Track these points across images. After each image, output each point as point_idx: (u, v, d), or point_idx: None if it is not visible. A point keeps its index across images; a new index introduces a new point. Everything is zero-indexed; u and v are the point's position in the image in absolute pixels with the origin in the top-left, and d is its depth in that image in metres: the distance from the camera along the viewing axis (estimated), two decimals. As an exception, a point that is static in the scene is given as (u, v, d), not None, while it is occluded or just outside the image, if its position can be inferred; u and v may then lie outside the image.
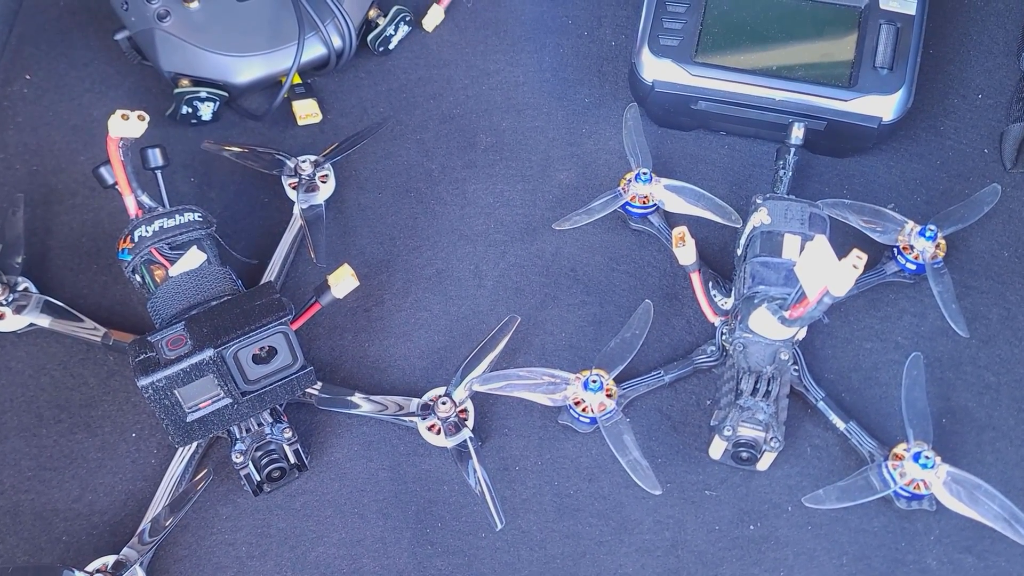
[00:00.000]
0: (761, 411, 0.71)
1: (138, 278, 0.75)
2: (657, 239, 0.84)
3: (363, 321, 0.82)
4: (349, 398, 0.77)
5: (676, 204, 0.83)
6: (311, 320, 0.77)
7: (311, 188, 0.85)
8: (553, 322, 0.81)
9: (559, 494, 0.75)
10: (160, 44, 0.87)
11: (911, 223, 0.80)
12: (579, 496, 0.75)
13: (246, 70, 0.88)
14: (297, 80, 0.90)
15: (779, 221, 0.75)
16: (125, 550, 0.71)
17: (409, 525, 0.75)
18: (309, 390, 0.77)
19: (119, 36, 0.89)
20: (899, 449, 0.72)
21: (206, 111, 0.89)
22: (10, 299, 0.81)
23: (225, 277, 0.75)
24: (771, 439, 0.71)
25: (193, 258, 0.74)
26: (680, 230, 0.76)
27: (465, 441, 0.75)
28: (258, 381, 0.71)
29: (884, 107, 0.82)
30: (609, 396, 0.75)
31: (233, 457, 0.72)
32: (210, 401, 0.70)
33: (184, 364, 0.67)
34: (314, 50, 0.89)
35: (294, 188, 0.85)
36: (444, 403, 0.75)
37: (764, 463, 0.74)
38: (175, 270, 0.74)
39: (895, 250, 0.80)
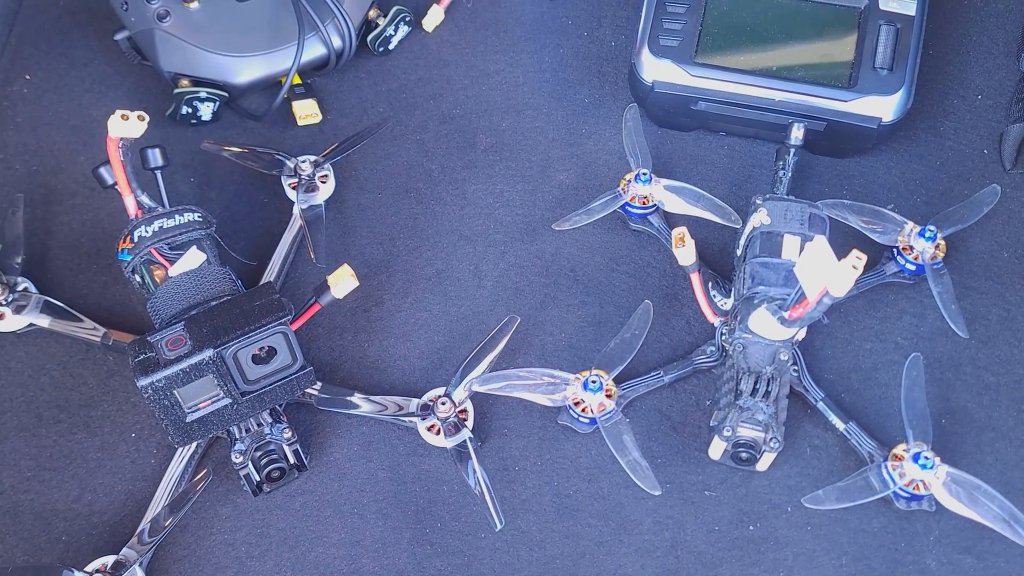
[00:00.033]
0: (761, 411, 0.71)
1: (138, 278, 0.75)
2: (657, 239, 0.84)
3: (363, 321, 0.82)
4: (349, 398, 0.77)
5: (676, 204, 0.83)
6: (311, 320, 0.77)
7: (311, 188, 0.85)
8: (553, 322, 0.82)
9: (559, 494, 0.75)
10: (160, 44, 0.87)
11: (911, 224, 0.80)
12: (579, 496, 0.75)
13: (246, 70, 0.88)
14: (297, 80, 0.90)
15: (779, 222, 0.75)
16: (124, 550, 0.71)
17: (409, 525, 0.75)
18: (309, 390, 0.77)
19: (119, 36, 0.89)
20: (899, 450, 0.72)
21: (206, 111, 0.89)
22: (10, 299, 0.81)
23: (225, 277, 0.75)
24: (770, 439, 0.71)
25: (193, 258, 0.74)
26: (680, 231, 0.76)
27: (465, 441, 0.75)
28: (258, 381, 0.71)
29: (884, 108, 0.82)
30: (609, 396, 0.75)
31: (233, 457, 0.72)
32: (210, 401, 0.70)
33: (184, 364, 0.67)
34: (314, 50, 0.89)
35: (294, 188, 0.85)
36: (444, 403, 0.75)
37: (764, 463, 0.74)
38: (175, 270, 0.74)
39: (895, 251, 0.80)
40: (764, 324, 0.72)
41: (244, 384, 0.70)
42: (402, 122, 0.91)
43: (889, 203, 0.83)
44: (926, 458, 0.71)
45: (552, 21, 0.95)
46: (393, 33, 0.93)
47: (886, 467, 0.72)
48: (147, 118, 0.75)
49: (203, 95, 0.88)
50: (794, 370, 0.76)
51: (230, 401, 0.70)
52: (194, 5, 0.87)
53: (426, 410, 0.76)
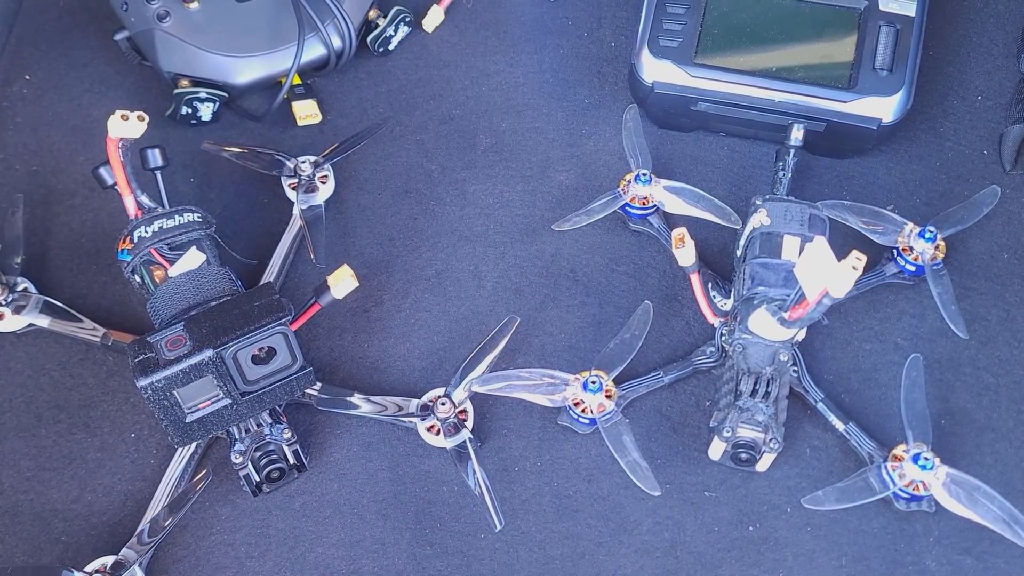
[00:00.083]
0: (760, 412, 0.71)
1: (137, 278, 0.75)
2: (657, 240, 0.84)
3: (362, 322, 0.82)
4: (348, 399, 0.77)
5: (676, 205, 0.83)
6: (310, 321, 0.77)
7: (311, 189, 0.85)
8: (552, 323, 0.81)
9: (558, 495, 0.75)
10: (160, 44, 0.87)
11: (910, 224, 0.80)
12: (578, 497, 0.75)
13: (246, 71, 0.88)
14: (297, 81, 0.90)
15: (779, 222, 0.75)
16: (124, 550, 0.71)
17: (408, 526, 0.75)
18: (308, 391, 0.77)
19: (119, 36, 0.89)
20: (898, 450, 0.72)
21: (206, 112, 0.89)
22: (9, 299, 0.81)
23: (224, 278, 0.75)
24: (770, 440, 0.71)
25: (192, 258, 0.74)
26: (680, 231, 0.76)
27: (464, 442, 0.75)
28: (257, 382, 0.71)
29: (884, 108, 0.82)
30: (608, 397, 0.75)
31: (232, 458, 0.72)
32: (209, 402, 0.70)
33: (183, 365, 0.67)
34: (314, 51, 0.89)
35: (294, 189, 0.85)
36: (443, 404, 0.75)
37: (763, 464, 0.74)
38: (174, 270, 0.74)
39: (894, 251, 0.80)
40: (764, 325, 0.72)
41: (244, 384, 0.70)
42: (402, 122, 0.91)
43: (889, 204, 0.83)
44: (926, 459, 0.71)
45: (552, 22, 0.95)
46: (393, 33, 0.93)
47: (886, 468, 0.72)
48: (147, 118, 0.75)
49: (203, 95, 0.88)
50: (794, 371, 0.76)
51: (230, 401, 0.70)
52: (194, 5, 0.87)
53: (426, 410, 0.76)
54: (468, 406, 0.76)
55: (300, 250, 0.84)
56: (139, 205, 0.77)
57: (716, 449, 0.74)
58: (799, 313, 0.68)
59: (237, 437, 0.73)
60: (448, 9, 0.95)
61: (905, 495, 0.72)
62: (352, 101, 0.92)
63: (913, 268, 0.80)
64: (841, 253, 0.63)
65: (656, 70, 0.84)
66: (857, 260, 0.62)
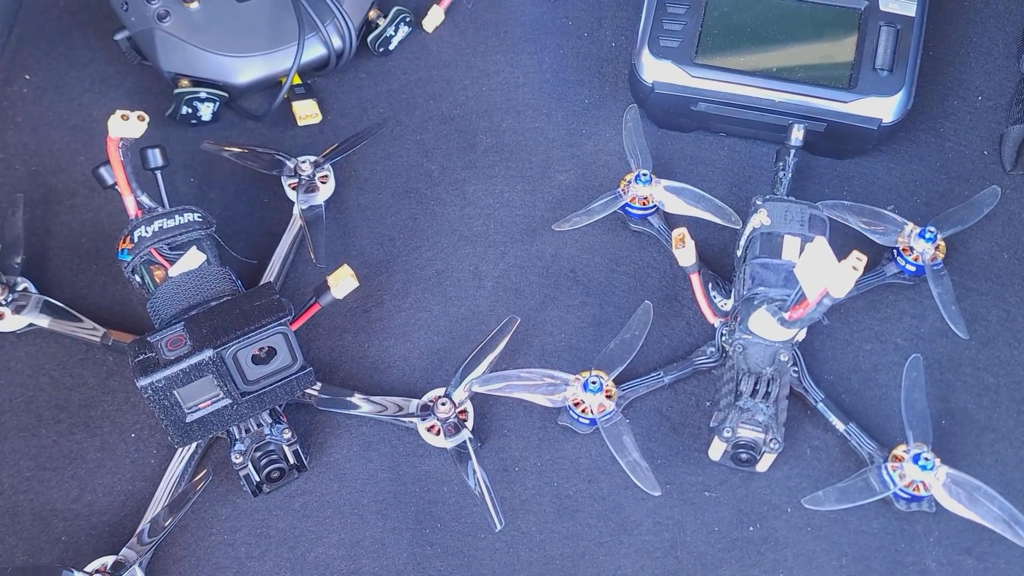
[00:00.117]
0: (761, 412, 0.71)
1: (138, 278, 0.75)
2: (657, 240, 0.84)
3: (363, 322, 0.82)
4: (349, 399, 0.77)
5: (676, 205, 0.83)
6: (311, 320, 0.77)
7: (311, 188, 0.85)
8: (553, 323, 0.81)
9: (558, 495, 0.75)
10: (160, 44, 0.87)
11: (911, 225, 0.80)
12: (579, 497, 0.75)
13: (246, 70, 0.88)
14: (297, 81, 0.90)
15: (779, 222, 0.75)
16: (124, 550, 0.71)
17: (408, 526, 0.75)
18: (309, 391, 0.77)
19: (119, 36, 0.89)
20: (899, 451, 0.72)
21: (206, 111, 0.89)
22: (10, 299, 0.81)
23: (225, 277, 0.75)
24: (770, 440, 0.71)
25: (193, 258, 0.74)
26: (680, 231, 0.76)
27: (464, 442, 0.75)
28: (257, 382, 0.71)
29: (884, 109, 0.82)
30: (609, 397, 0.75)
31: (232, 458, 0.72)
32: (210, 402, 0.70)
33: (183, 364, 0.67)
34: (314, 51, 0.89)
35: (294, 188, 0.85)
36: (444, 404, 0.75)
37: (763, 464, 0.74)
38: (175, 270, 0.74)
39: (895, 252, 0.80)
40: (764, 325, 0.72)
41: (244, 384, 0.70)
42: (402, 122, 0.91)
43: (889, 204, 0.83)
44: (926, 459, 0.71)
45: (552, 22, 0.95)
46: (393, 33, 0.93)
47: (886, 468, 0.72)
48: (147, 118, 0.75)
49: (203, 95, 0.88)
50: (794, 371, 0.76)
51: (230, 401, 0.70)
52: (194, 5, 0.87)
53: (426, 410, 0.76)
54: (468, 406, 0.76)
55: (300, 250, 0.84)
56: (139, 205, 0.77)
57: (716, 449, 0.74)
58: (799, 313, 0.68)
59: (237, 437, 0.73)
60: (448, 9, 0.95)
61: (905, 495, 0.72)
62: (352, 101, 0.92)
63: (913, 268, 0.80)
64: (841, 253, 0.63)
65: (656, 70, 0.84)
66: (857, 260, 0.62)
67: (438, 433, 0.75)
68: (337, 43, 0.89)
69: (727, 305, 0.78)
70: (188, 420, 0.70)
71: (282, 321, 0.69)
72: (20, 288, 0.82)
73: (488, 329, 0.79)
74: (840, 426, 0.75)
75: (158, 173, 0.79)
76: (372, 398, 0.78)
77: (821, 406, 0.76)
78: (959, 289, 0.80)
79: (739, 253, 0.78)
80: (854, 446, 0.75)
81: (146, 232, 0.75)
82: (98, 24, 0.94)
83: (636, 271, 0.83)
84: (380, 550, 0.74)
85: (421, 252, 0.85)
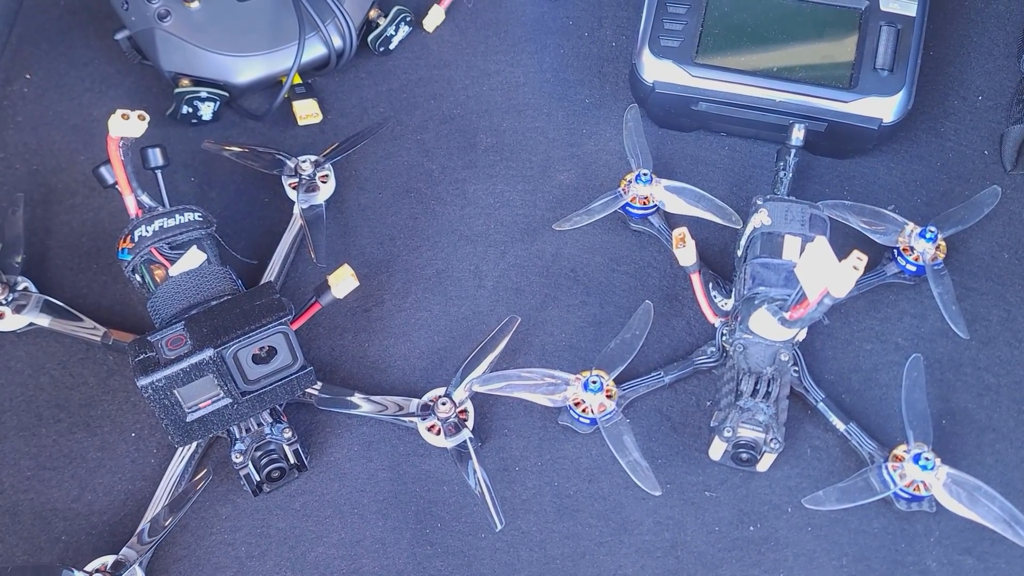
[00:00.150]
0: (761, 412, 0.71)
1: (138, 278, 0.75)
2: (657, 240, 0.84)
3: (363, 321, 0.82)
4: (349, 398, 0.77)
5: (676, 205, 0.83)
6: (311, 320, 0.77)
7: (311, 188, 0.85)
8: (553, 323, 0.81)
9: (559, 495, 0.75)
10: (160, 44, 0.87)
11: (911, 224, 0.80)
12: (579, 497, 0.75)
13: (246, 70, 0.88)
14: (297, 80, 0.90)
15: (779, 222, 0.75)
16: (124, 550, 0.71)
17: (409, 526, 0.75)
18: (309, 390, 0.77)
19: (119, 36, 0.89)
20: (899, 450, 0.72)
21: (206, 111, 0.89)
22: (10, 299, 0.81)
23: (225, 277, 0.75)
24: (771, 440, 0.71)
25: (193, 258, 0.74)
26: (680, 231, 0.76)
27: (465, 442, 0.75)
28: (258, 381, 0.71)
29: (884, 109, 0.82)
30: (609, 397, 0.75)
31: (233, 457, 0.72)
32: (210, 401, 0.70)
33: (184, 364, 0.67)
34: (314, 50, 0.89)
35: (294, 188, 0.85)
36: (444, 403, 0.75)
37: (764, 464, 0.74)
38: (175, 270, 0.74)
39: (895, 251, 0.80)
40: (765, 325, 0.72)
41: (244, 384, 0.70)
42: (402, 122, 0.91)
43: (890, 204, 0.83)
44: (926, 459, 0.71)
45: (553, 21, 0.95)
46: (394, 33, 0.93)
47: (886, 468, 0.72)
48: (147, 118, 0.75)
49: (203, 95, 0.88)
50: (794, 371, 0.76)
51: (230, 401, 0.70)
52: (194, 5, 0.87)
53: (426, 410, 0.76)
54: (469, 406, 0.76)
55: (301, 249, 0.84)
56: (140, 204, 0.77)
57: (717, 449, 0.74)
58: (800, 313, 0.68)
59: (237, 436, 0.73)
60: (449, 9, 0.95)
61: (906, 495, 0.72)
62: (353, 101, 0.92)
63: (914, 268, 0.80)
64: (842, 253, 0.63)
65: (657, 70, 0.84)
66: (858, 260, 0.62)
67: (438, 433, 0.75)
68: (337, 42, 0.89)
69: (727, 305, 0.78)
70: (188, 419, 0.70)
71: (282, 320, 0.69)
72: (20, 287, 0.82)
73: (488, 329, 0.79)
74: (840, 426, 0.75)
75: (158, 172, 0.79)
76: (372, 398, 0.78)
77: (821, 406, 0.76)
78: (959, 289, 0.80)
79: (739, 253, 0.78)
80: (854, 446, 0.75)
81: (146, 231, 0.75)
82: (98, 24, 0.95)
83: (636, 271, 0.83)
84: (380, 550, 0.74)
85: (421, 252, 0.85)
